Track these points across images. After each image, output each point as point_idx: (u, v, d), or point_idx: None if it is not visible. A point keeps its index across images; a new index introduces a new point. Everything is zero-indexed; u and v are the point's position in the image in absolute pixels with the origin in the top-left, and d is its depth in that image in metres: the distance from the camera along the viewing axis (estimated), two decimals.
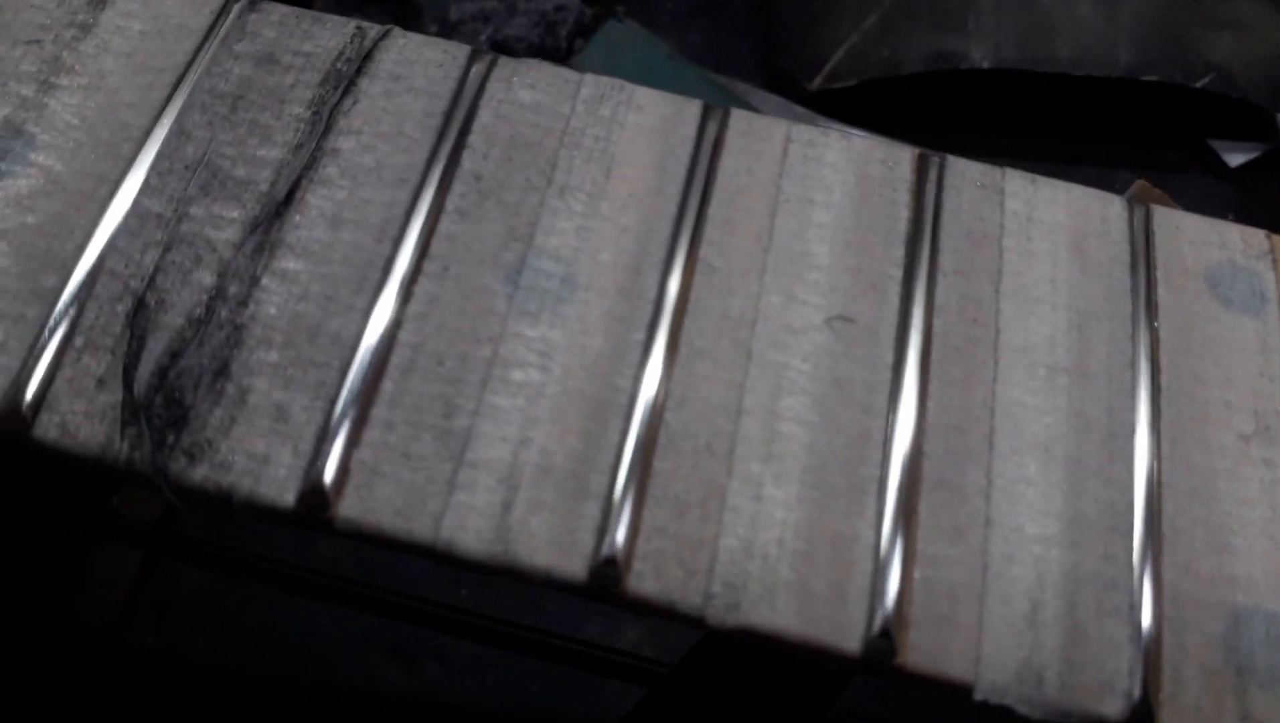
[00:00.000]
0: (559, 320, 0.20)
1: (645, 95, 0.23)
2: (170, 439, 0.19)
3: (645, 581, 0.18)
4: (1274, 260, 0.22)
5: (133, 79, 0.22)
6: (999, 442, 0.20)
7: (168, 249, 0.20)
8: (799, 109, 0.52)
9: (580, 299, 0.20)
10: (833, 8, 0.53)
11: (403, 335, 0.20)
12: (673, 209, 0.22)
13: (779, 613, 0.18)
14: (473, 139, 0.22)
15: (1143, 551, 0.19)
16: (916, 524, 0.19)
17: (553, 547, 0.18)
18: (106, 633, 0.42)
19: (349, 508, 0.18)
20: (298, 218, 0.21)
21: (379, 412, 0.19)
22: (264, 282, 0.20)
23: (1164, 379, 0.20)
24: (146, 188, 0.21)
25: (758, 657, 0.21)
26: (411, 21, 0.50)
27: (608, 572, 0.18)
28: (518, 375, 0.20)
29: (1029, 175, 0.23)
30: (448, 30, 0.50)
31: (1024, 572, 0.19)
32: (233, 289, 0.20)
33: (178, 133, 0.21)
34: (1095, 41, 0.50)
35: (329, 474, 0.18)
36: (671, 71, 0.49)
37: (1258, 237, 0.22)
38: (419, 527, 0.18)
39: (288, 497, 0.18)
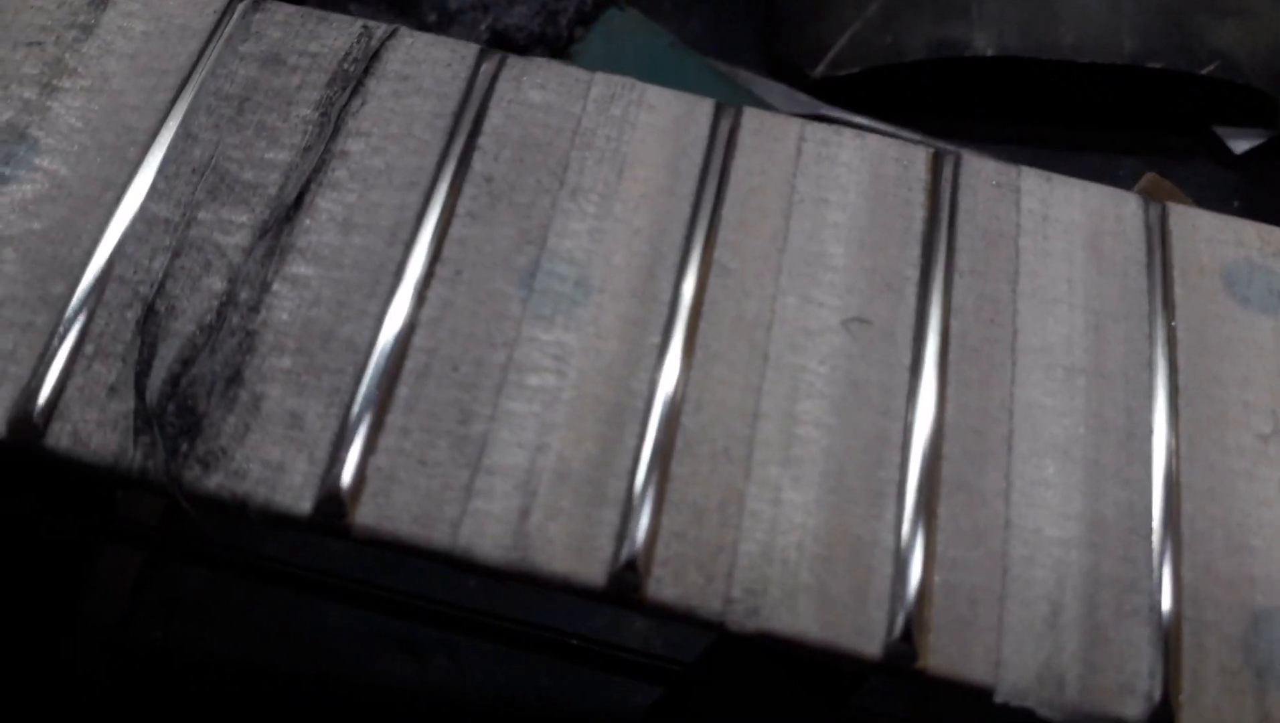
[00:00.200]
0: (573, 324, 0.20)
1: (657, 94, 0.23)
2: (184, 447, 0.19)
3: (665, 586, 0.18)
4: None
5: (136, 81, 0.22)
6: (1018, 444, 0.20)
7: (176, 255, 0.20)
8: (801, 96, 0.52)
9: (594, 302, 0.20)
10: None
11: (416, 340, 0.20)
12: (686, 210, 0.21)
13: (799, 618, 0.18)
14: (483, 140, 0.22)
15: (1161, 552, 0.19)
16: (936, 527, 0.19)
17: (571, 553, 0.18)
18: (113, 628, 0.42)
19: (366, 515, 0.18)
20: (308, 222, 0.21)
21: (394, 418, 0.19)
22: (275, 287, 0.20)
23: (1181, 379, 0.20)
24: (153, 192, 0.21)
25: (774, 656, 0.21)
26: (410, 10, 0.50)
27: (627, 578, 0.18)
28: (533, 380, 0.20)
29: (1044, 174, 0.23)
30: (447, 19, 0.49)
31: (1044, 574, 0.19)
32: (244, 295, 0.20)
33: (184, 136, 0.21)
34: (1099, 29, 0.50)
35: (345, 481, 0.18)
36: (674, 60, 0.49)
37: (1275, 234, 0.22)
38: (437, 534, 0.18)
39: (304, 504, 0.18)
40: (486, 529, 0.18)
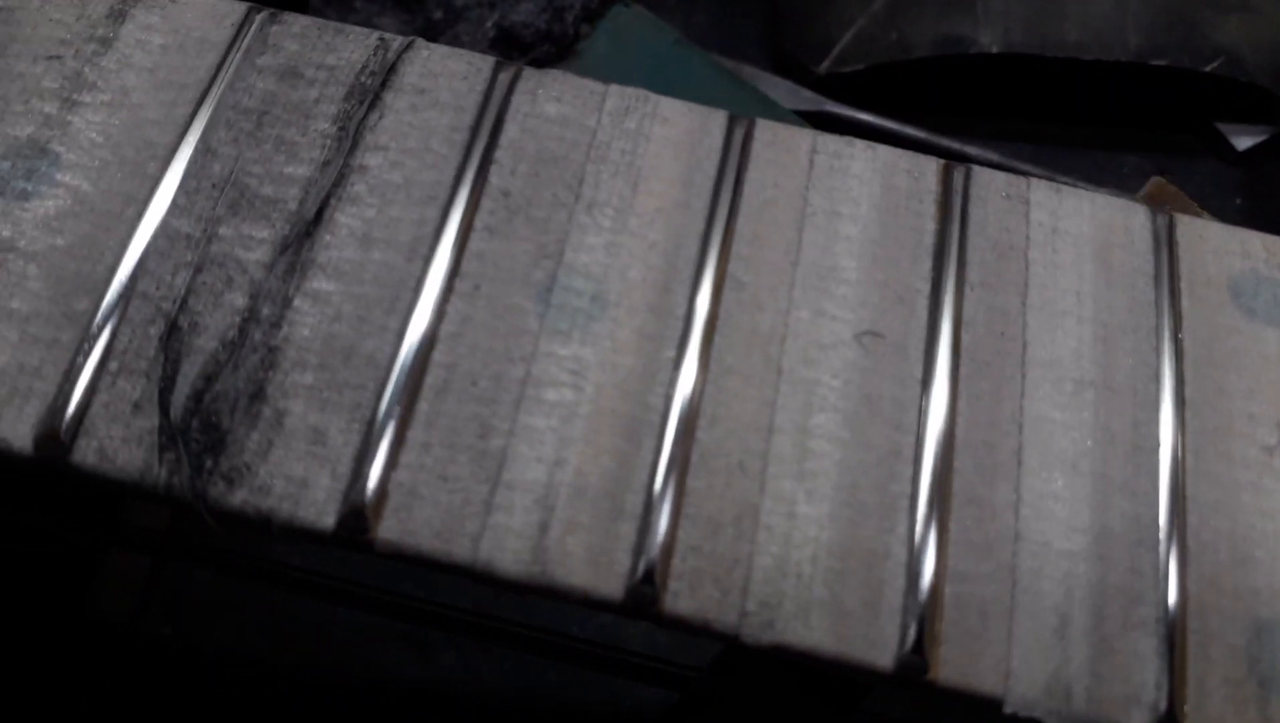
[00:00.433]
0: (590, 339, 0.20)
1: (670, 106, 0.23)
2: (208, 464, 0.19)
3: (681, 599, 0.19)
4: None
5: (156, 95, 0.22)
6: (1027, 457, 0.20)
7: (198, 270, 0.20)
8: (806, 93, 0.52)
9: (611, 317, 0.21)
10: None
11: (436, 356, 0.20)
12: (700, 224, 0.22)
13: (813, 631, 0.18)
14: (500, 154, 0.22)
15: (1167, 564, 0.19)
16: (948, 541, 0.19)
17: (589, 567, 0.19)
18: (122, 624, 0.42)
19: (388, 530, 0.19)
20: (328, 237, 0.21)
21: (415, 433, 0.19)
22: (296, 303, 0.20)
23: (1188, 392, 0.21)
24: (175, 208, 0.21)
25: (786, 666, 0.22)
26: (416, 7, 0.50)
27: (644, 591, 0.18)
28: (551, 395, 0.20)
29: (1054, 185, 0.23)
30: (453, 16, 0.49)
31: (1052, 586, 0.19)
32: (265, 311, 0.20)
33: (204, 150, 0.21)
34: (1104, 25, 0.50)
35: (368, 497, 0.19)
36: (679, 56, 0.49)
37: None
38: (457, 548, 0.19)
39: (327, 520, 0.19)
40: (506, 544, 0.19)
